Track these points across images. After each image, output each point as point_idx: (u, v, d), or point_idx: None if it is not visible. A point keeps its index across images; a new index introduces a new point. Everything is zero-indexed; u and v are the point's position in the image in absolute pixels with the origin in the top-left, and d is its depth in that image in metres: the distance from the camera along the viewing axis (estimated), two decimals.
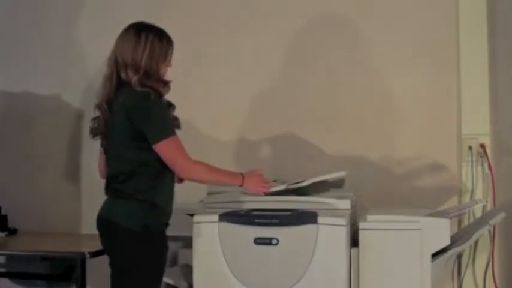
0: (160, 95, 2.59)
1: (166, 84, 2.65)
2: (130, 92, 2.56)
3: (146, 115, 2.53)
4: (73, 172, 3.83)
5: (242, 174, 2.71)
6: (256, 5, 3.61)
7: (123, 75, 2.59)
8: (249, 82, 3.58)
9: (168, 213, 2.65)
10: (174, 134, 2.57)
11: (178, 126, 2.69)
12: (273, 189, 2.88)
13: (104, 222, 2.62)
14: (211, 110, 3.58)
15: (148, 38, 2.61)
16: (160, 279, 2.66)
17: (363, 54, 3.48)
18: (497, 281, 3.24)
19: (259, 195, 2.77)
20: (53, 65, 3.85)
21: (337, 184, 3.22)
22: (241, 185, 2.70)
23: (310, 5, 3.54)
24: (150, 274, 2.58)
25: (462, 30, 3.35)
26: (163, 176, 2.60)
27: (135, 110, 2.54)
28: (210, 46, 3.63)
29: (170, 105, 2.70)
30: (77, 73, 3.77)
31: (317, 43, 3.54)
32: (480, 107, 3.33)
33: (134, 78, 2.56)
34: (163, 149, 2.54)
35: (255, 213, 2.72)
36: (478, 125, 3.33)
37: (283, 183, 2.96)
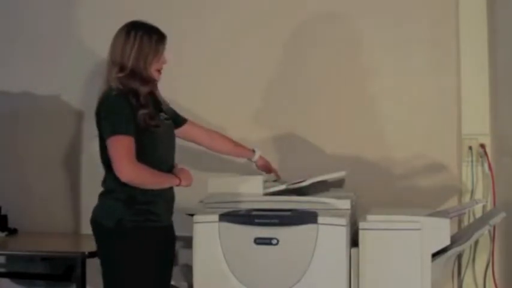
0: (137, 95, 2.57)
1: (152, 83, 2.65)
2: (103, 92, 2.60)
3: (103, 113, 2.55)
4: (73, 172, 3.83)
5: (176, 175, 2.67)
6: (255, 4, 3.61)
7: (108, 76, 2.61)
8: (248, 82, 3.58)
9: (150, 210, 2.60)
10: (123, 133, 2.50)
11: (157, 126, 2.60)
12: (273, 189, 2.89)
13: (90, 222, 2.67)
14: (211, 110, 3.58)
15: (137, 36, 2.60)
16: (147, 277, 2.59)
17: (363, 53, 3.48)
18: (497, 281, 3.24)
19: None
20: (53, 65, 3.85)
21: (337, 184, 3.21)
22: (179, 184, 2.66)
23: (310, 5, 3.54)
24: (129, 271, 2.56)
25: (462, 30, 3.35)
26: None
27: (100, 111, 2.57)
28: (209, 46, 3.63)
29: (156, 107, 2.67)
30: (77, 73, 3.77)
31: (318, 43, 3.53)
32: (480, 107, 3.33)
33: (115, 79, 2.57)
34: (108, 146, 2.52)
35: (255, 213, 2.72)
36: (478, 125, 3.33)
37: (283, 183, 2.97)
